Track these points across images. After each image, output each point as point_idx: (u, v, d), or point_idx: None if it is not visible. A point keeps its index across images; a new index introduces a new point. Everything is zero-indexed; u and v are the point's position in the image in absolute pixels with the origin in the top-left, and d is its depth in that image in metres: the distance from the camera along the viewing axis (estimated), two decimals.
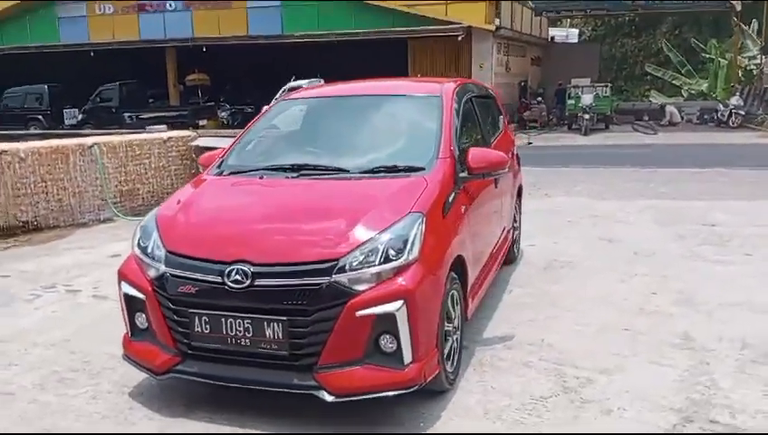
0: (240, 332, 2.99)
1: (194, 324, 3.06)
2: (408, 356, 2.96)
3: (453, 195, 3.55)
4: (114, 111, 20.97)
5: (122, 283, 3.33)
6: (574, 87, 20.79)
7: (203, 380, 3.14)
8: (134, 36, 22.62)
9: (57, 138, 9.20)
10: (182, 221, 3.36)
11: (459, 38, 20.19)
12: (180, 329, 3.11)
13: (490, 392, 3.39)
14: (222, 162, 4.03)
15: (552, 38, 29.35)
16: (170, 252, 3.19)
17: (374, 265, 2.96)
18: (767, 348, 3.83)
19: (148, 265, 3.23)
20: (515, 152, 5.87)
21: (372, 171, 3.60)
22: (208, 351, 3.10)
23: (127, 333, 3.41)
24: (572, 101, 20.46)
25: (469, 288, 3.76)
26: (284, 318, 2.93)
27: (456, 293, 3.46)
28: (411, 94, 4.38)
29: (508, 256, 5.60)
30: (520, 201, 6.08)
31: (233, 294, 2.98)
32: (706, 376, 3.52)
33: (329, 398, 2.92)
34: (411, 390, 2.98)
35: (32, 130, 19.65)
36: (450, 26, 20.15)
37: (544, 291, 5.02)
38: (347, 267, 2.94)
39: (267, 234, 3.19)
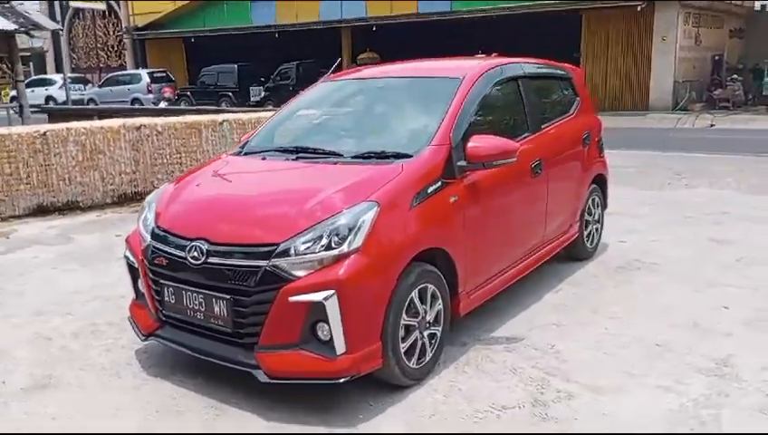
0: (196, 305, 3.16)
1: (164, 294, 3.30)
2: (340, 346, 2.91)
3: (438, 184, 3.37)
4: (291, 88, 22.39)
5: (126, 250, 3.66)
6: None
7: (173, 345, 3.36)
8: (314, 18, 23.97)
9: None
10: (174, 198, 3.60)
11: (639, 8, 18.54)
12: (157, 297, 3.37)
13: (454, 394, 3.22)
14: (246, 142, 4.23)
15: (764, 6, 25.61)
16: (157, 226, 3.45)
17: (315, 252, 2.94)
18: None
19: (142, 237, 3.52)
20: (597, 139, 5.35)
21: (363, 156, 3.54)
22: (176, 320, 3.32)
23: (133, 296, 3.75)
24: None
25: (460, 283, 3.56)
26: (228, 297, 3.03)
27: (432, 286, 3.31)
28: (435, 76, 4.19)
29: (577, 252, 5.19)
30: (603, 192, 5.54)
31: (192, 269, 3.15)
32: (713, 410, 3.00)
33: (263, 378, 2.98)
34: (341, 380, 2.95)
35: (222, 106, 21.68)
36: None
37: (597, 294, 4.57)
38: (291, 252, 2.96)
39: (229, 214, 3.30)
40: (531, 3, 20.10)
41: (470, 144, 3.53)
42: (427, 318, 3.33)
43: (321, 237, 2.96)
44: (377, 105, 4.15)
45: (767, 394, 3.13)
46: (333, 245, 2.94)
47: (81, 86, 27.84)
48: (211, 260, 3.08)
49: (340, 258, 2.93)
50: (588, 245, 5.30)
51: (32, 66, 32.99)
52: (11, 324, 4.26)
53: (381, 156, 3.50)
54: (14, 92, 13.72)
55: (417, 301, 3.23)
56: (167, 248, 3.29)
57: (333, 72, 4.84)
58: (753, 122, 16.48)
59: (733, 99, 19.45)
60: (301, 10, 24.26)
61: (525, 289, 4.59)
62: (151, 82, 24.97)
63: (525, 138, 4.25)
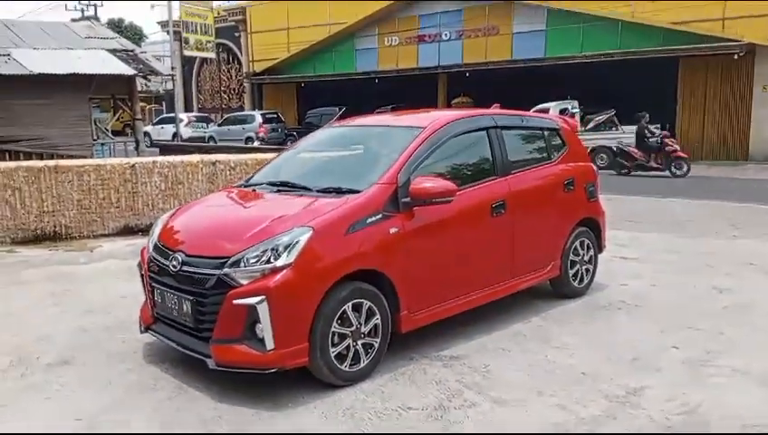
0: (173, 305, 3.95)
1: (155, 295, 4.12)
2: (269, 343, 3.57)
3: (378, 216, 3.97)
4: None
5: (139, 260, 4.54)
6: None
7: (160, 337, 4.15)
8: (413, 64, 25.17)
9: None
10: (176, 218, 4.45)
11: (736, 56, 18.01)
12: (151, 297, 4.20)
13: (375, 396, 3.74)
14: (251, 176, 5.04)
15: None
16: (158, 239, 4.30)
17: (258, 264, 3.64)
18: None
19: (148, 248, 4.39)
20: (586, 184, 5.66)
21: (325, 190, 4.22)
22: (163, 317, 4.12)
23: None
24: None
25: (402, 304, 4.10)
26: (192, 298, 3.79)
27: (368, 303, 3.89)
28: (402, 126, 4.80)
29: (563, 290, 5.52)
30: (597, 235, 5.82)
31: (171, 275, 3.95)
32: (588, 427, 3.34)
33: (211, 365, 3.69)
34: (270, 371, 3.59)
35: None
36: (726, 44, 18.12)
37: (560, 327, 4.90)
38: (242, 263, 3.67)
39: (204, 232, 4.09)
40: (625, 49, 20.03)
41: (412, 184, 4.11)
42: (363, 330, 3.90)
43: (265, 252, 3.66)
44: (354, 148, 4.84)
45: (652, 419, 3.42)
46: (272, 259, 3.63)
47: (204, 124, 30.65)
48: (184, 268, 3.87)
49: (275, 271, 3.61)
50: (575, 284, 5.60)
51: (164, 106, 36.82)
52: (62, 318, 5.27)
53: (339, 191, 4.16)
54: (148, 127, 15.66)
55: (350, 313, 3.82)
56: (159, 258, 4.13)
57: (337, 120, 5.59)
58: None
59: None
60: (401, 56, 25.58)
61: (499, 319, 5.02)
62: (263, 123, 27.08)
63: (490, 181, 4.75)
